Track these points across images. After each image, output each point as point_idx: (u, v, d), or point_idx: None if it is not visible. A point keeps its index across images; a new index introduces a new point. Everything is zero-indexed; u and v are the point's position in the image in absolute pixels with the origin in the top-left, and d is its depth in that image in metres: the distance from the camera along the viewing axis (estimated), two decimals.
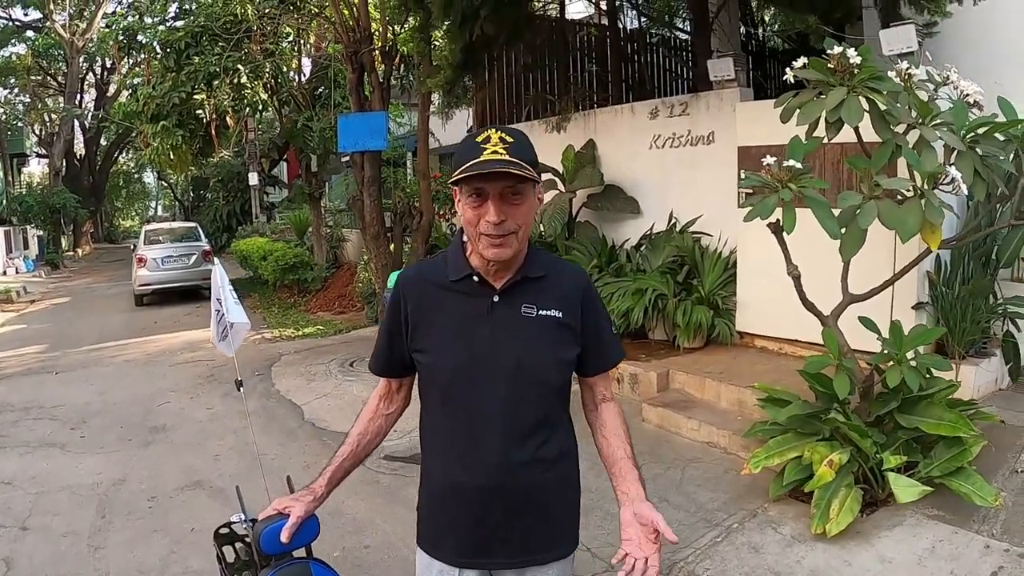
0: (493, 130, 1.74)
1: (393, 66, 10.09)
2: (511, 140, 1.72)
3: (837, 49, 3.72)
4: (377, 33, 9.48)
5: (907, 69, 3.85)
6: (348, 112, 10.58)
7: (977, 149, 3.62)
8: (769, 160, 3.79)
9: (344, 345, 9.53)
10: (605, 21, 10.69)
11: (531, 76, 10.33)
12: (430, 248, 10.14)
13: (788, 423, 4.28)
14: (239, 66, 11.22)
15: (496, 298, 1.84)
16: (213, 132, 11.64)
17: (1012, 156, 3.67)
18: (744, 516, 4.17)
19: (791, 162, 3.75)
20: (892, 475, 3.69)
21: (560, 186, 8.12)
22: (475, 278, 1.84)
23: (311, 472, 5.23)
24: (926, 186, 3.54)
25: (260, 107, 12.44)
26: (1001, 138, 3.69)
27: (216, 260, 4.14)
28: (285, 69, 12.52)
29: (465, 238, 1.89)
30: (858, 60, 3.64)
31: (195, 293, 14.36)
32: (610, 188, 7.93)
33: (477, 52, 7.35)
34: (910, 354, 3.97)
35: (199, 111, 11.49)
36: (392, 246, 10.23)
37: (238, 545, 2.33)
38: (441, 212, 11.54)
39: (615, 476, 1.91)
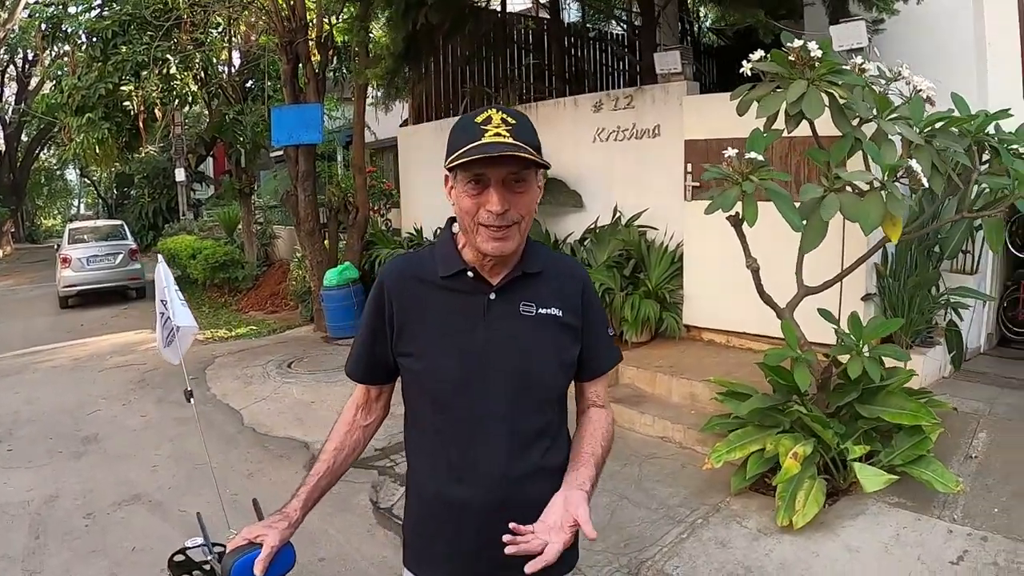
0: (494, 110, 1.57)
1: (328, 57, 9.81)
2: (514, 122, 1.55)
3: (798, 43, 3.72)
4: (312, 23, 9.19)
5: (860, 64, 3.89)
6: (282, 104, 10.27)
7: (934, 143, 3.67)
8: (730, 152, 3.77)
9: (280, 345, 9.24)
10: (545, 14, 10.66)
11: (469, 68, 10.21)
12: (366, 244, 9.94)
13: (749, 416, 4.28)
14: (168, 56, 10.73)
15: (492, 296, 1.67)
16: (141, 125, 11.10)
17: (966, 150, 3.72)
18: (707, 511, 4.15)
19: (752, 154, 3.74)
20: (858, 465, 3.73)
21: None
22: (469, 274, 1.67)
23: (255, 481, 5.11)
24: (887, 179, 3.56)
25: (190, 99, 11.94)
26: (955, 132, 3.75)
27: (160, 257, 3.85)
28: (215, 60, 12.04)
29: (455, 230, 1.73)
30: (819, 54, 3.66)
31: (122, 294, 13.79)
32: (552, 182, 7.83)
33: (419, 42, 7.17)
34: (867, 345, 4.02)
35: (126, 103, 10.94)
36: (327, 243, 9.96)
37: (196, 574, 2.16)
38: (376, 208, 11.30)
39: (571, 463, 1.72)
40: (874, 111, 3.86)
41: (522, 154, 1.51)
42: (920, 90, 3.90)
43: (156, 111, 11.08)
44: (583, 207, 7.70)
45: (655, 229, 7.07)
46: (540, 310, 1.69)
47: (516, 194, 1.58)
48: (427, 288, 1.69)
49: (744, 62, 3.98)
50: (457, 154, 1.53)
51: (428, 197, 9.84)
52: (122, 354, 9.29)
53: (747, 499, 4.20)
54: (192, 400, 3.47)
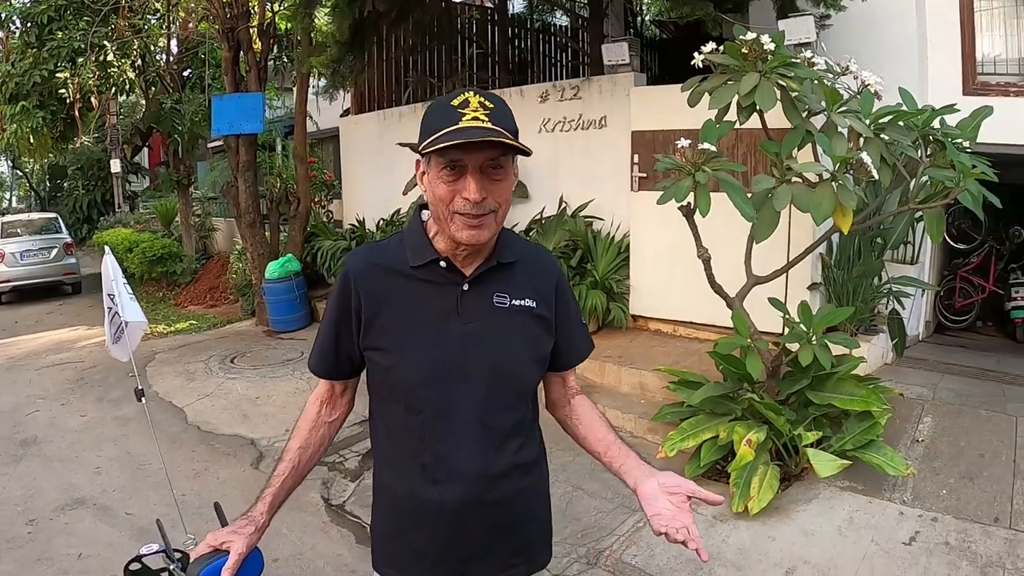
0: (471, 93, 1.50)
1: (270, 45, 9.57)
2: (492, 105, 1.49)
3: (751, 35, 3.76)
4: (254, 10, 8.95)
5: (810, 58, 3.96)
6: (222, 93, 9.98)
7: (882, 136, 3.75)
8: (683, 143, 3.79)
9: (222, 340, 8.99)
10: (489, 3, 10.59)
11: (412, 58, 10.08)
12: (308, 236, 9.76)
13: (701, 405, 4.33)
14: (105, 43, 10.29)
15: (466, 287, 1.61)
16: (77, 114, 10.65)
17: (913, 143, 3.81)
18: None
19: (705, 145, 3.77)
20: (811, 451, 3.80)
21: None
22: (442, 264, 1.61)
23: (201, 481, 4.98)
24: (838, 171, 3.63)
25: (127, 87, 11.50)
26: (902, 126, 3.84)
27: (108, 250, 3.67)
28: (153, 48, 11.63)
29: (425, 218, 1.67)
30: (772, 47, 3.70)
31: (56, 289, 13.30)
32: None
33: (364, 30, 7.03)
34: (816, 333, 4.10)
35: (62, 91, 10.48)
36: (268, 235, 9.73)
37: None
38: (317, 199, 11.10)
39: (613, 459, 1.71)
40: (823, 104, 3.93)
41: (501, 139, 1.45)
42: (868, 84, 3.99)
43: (92, 99, 10.64)
44: (528, 198, 7.67)
45: (601, 220, 7.10)
46: (514, 301, 1.64)
47: (494, 181, 1.52)
48: (396, 279, 1.62)
49: (696, 54, 4.01)
50: (432, 138, 1.46)
51: (371, 188, 9.71)
52: (59, 352, 8.95)
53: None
54: (143, 399, 3.32)
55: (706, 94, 3.95)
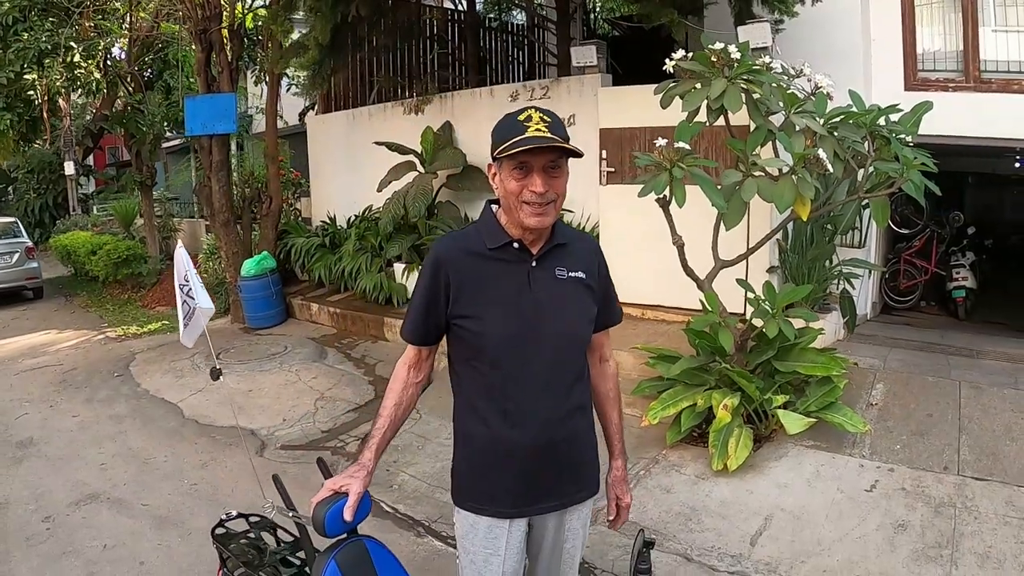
0: (533, 109, 1.92)
1: (242, 46, 9.71)
2: (549, 120, 1.91)
3: (719, 45, 4.19)
4: (226, 10, 9.07)
5: (768, 63, 4.41)
6: (185, 93, 10.09)
7: (835, 133, 4.21)
8: (660, 142, 4.20)
9: (200, 338, 9.08)
10: (454, 5, 10.86)
11: (378, 58, 10.31)
12: (280, 234, 9.92)
13: (679, 377, 4.78)
14: (72, 43, 10.28)
15: (534, 263, 2.01)
16: (46, 115, 10.60)
17: (862, 140, 4.28)
18: (647, 463, 4.62)
19: (680, 144, 4.19)
20: (781, 412, 4.29)
21: (419, 167, 8.24)
22: (515, 245, 2.01)
23: (209, 470, 5.22)
24: (797, 165, 4.08)
25: (95, 88, 11.45)
26: (852, 124, 4.30)
27: (180, 243, 3.93)
28: (117, 48, 11.61)
29: (495, 209, 2.07)
30: (738, 55, 4.13)
31: (18, 295, 12.97)
32: (468, 169, 8.13)
33: (343, 33, 7.28)
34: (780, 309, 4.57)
35: (30, 92, 10.41)
36: (241, 233, 9.86)
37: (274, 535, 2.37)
38: (284, 197, 11.22)
39: (608, 435, 2.31)
40: (780, 104, 4.38)
41: (559, 144, 1.87)
42: (820, 87, 4.45)
43: (60, 101, 10.61)
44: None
45: (571, 212, 7.48)
46: (570, 274, 2.06)
47: (553, 177, 1.93)
48: (478, 259, 2.01)
49: (667, 60, 4.43)
50: (506, 145, 1.88)
51: (340, 186, 9.95)
52: (34, 356, 8.88)
53: (682, 450, 4.69)
54: (221, 378, 3.54)
55: (677, 97, 4.39)
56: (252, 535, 2.33)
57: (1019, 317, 7.45)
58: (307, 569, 2.18)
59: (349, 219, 9.51)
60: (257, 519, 2.43)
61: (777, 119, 4.49)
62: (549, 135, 1.87)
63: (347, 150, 9.81)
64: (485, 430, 2.03)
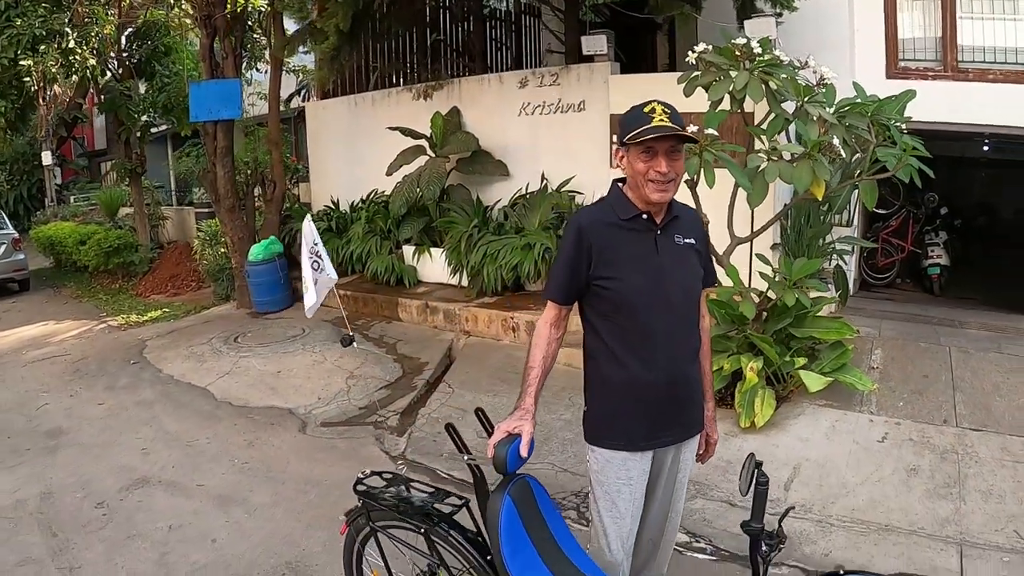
0: (656, 103, 2.30)
1: (245, 31, 9.80)
2: (669, 111, 2.29)
3: (741, 40, 4.59)
4: None
5: (779, 56, 4.81)
6: (172, 80, 10.12)
7: (844, 121, 4.64)
8: (692, 128, 4.57)
9: (208, 325, 9.12)
10: None
11: (379, 45, 10.51)
12: (283, 219, 10.08)
13: None
14: (67, 29, 10.25)
15: (659, 232, 2.41)
16: (42, 101, 10.53)
17: (867, 127, 4.72)
18: None
19: (709, 130, 4.59)
20: (802, 372, 4.76)
21: (429, 152, 8.51)
22: (643, 216, 2.39)
23: (256, 448, 5.49)
24: (813, 150, 4.50)
25: (90, 74, 11.37)
26: (859, 113, 4.73)
27: (308, 217, 4.22)
28: (108, 33, 11.54)
29: (622, 186, 2.45)
30: (759, 50, 4.53)
31: (2, 288, 12.73)
32: (478, 153, 8.46)
33: (361, 20, 7.48)
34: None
35: (26, 79, 10.34)
36: (245, 219, 9.96)
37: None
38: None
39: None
40: (790, 94, 4.79)
41: (680, 132, 2.26)
42: (825, 78, 4.88)
43: (56, 87, 10.57)
44: (509, 176, 8.41)
45: (581, 194, 7.87)
46: (685, 240, 2.47)
47: (673, 160, 2.32)
48: (613, 229, 2.40)
49: (690, 52, 4.82)
50: (635, 132, 2.26)
51: (342, 171, 10.16)
52: (37, 347, 8.84)
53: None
54: (355, 344, 3.74)
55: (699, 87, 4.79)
56: (393, 490, 2.62)
57: (989, 292, 8.05)
58: (454, 517, 2.50)
59: (353, 203, 9.73)
60: (391, 475, 2.73)
61: (787, 108, 4.89)
62: (671, 125, 2.25)
63: (350, 135, 10.01)
64: (625, 373, 2.40)
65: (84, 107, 17.58)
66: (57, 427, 6.02)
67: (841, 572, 2.33)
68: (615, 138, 7.14)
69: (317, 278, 3.96)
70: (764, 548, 2.27)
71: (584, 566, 2.29)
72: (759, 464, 2.33)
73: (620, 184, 2.48)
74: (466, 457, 2.45)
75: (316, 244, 3.93)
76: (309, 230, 3.96)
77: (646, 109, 2.29)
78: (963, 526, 3.81)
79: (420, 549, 2.61)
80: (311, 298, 3.99)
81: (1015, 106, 6.77)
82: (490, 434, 2.37)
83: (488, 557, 2.37)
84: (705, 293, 2.66)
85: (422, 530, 2.47)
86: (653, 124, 2.24)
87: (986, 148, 8.76)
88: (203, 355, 7.69)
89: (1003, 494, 3.99)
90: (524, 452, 2.27)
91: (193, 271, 11.96)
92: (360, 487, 2.68)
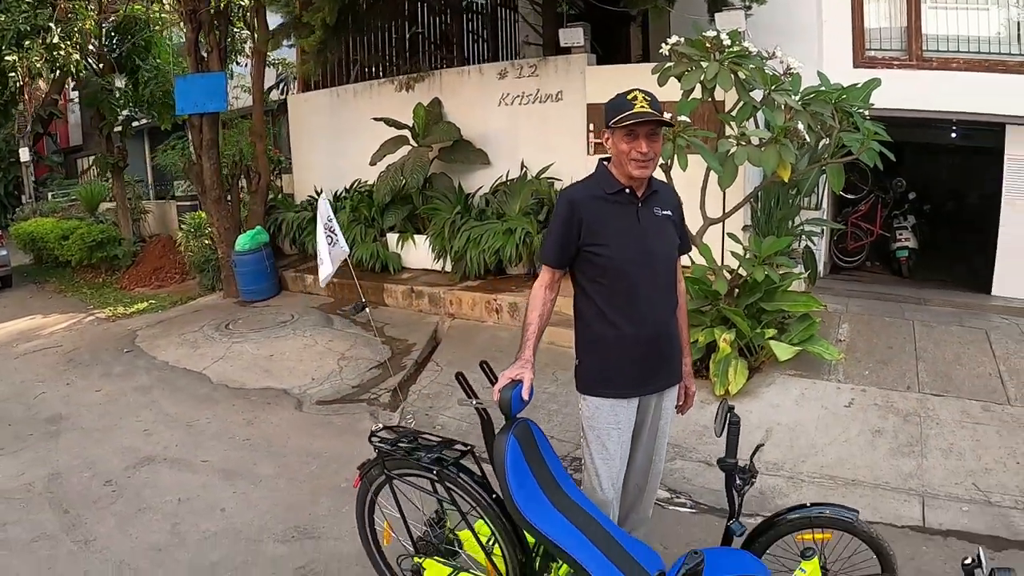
0: (638, 91, 2.59)
1: (229, 25, 9.93)
2: (649, 99, 2.60)
3: (712, 33, 4.86)
4: None
5: (748, 48, 5.09)
6: (151, 74, 10.19)
7: (809, 108, 4.93)
8: (665, 115, 4.85)
9: (197, 314, 9.23)
10: None
11: (358, 38, 10.63)
12: (268, 209, 10.24)
13: None
14: (51, 24, 10.31)
15: (640, 204, 2.72)
16: (27, 95, 10.56)
17: (831, 115, 5.01)
18: None
19: (682, 117, 4.86)
20: (773, 342, 5.08)
21: (412, 141, 8.73)
22: (627, 191, 2.70)
23: (256, 427, 5.76)
24: (779, 135, 4.78)
25: (74, 68, 11.40)
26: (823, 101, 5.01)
27: (324, 195, 4.51)
28: (89, 28, 11.57)
29: (608, 165, 2.73)
30: (729, 42, 4.81)
31: None
32: (460, 142, 8.71)
33: (347, 14, 7.66)
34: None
35: (11, 74, 10.36)
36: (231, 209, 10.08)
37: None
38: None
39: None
40: (758, 83, 5.07)
41: (658, 118, 2.57)
42: (791, 68, 5.17)
43: (41, 82, 10.61)
44: (490, 164, 8.67)
45: (560, 180, 8.13)
46: (663, 212, 2.79)
47: (653, 141, 2.63)
48: (600, 202, 2.70)
49: (663, 44, 5.09)
50: (620, 117, 2.57)
51: (325, 162, 10.34)
52: (27, 340, 8.92)
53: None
54: (367, 309, 4.00)
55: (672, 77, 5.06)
56: (405, 442, 2.88)
57: (956, 274, 8.42)
58: (462, 461, 2.77)
59: (337, 193, 9.91)
60: (401, 429, 3.00)
61: (755, 96, 5.18)
62: (651, 111, 2.56)
63: (333, 127, 10.19)
64: (614, 331, 2.71)
65: (59, 103, 17.52)
66: (56, 414, 6.14)
67: (808, 504, 2.63)
68: (592, 126, 7.49)
69: (332, 251, 4.26)
70: (738, 481, 2.55)
71: (579, 499, 2.58)
72: (731, 407, 2.62)
73: (605, 162, 2.77)
74: (475, 401, 2.72)
75: (331, 220, 4.22)
76: (325, 207, 4.28)
77: (629, 96, 2.59)
78: (925, 480, 4.15)
79: (431, 492, 2.88)
80: (326, 269, 4.27)
81: (979, 94, 7.10)
82: (493, 384, 2.65)
83: (494, 496, 2.64)
84: (679, 260, 2.95)
85: (435, 472, 2.72)
86: (635, 110, 2.54)
87: (953, 135, 9.12)
88: (196, 342, 7.86)
89: (962, 452, 4.34)
90: (526, 395, 2.55)
91: (176, 263, 12.04)
92: (375, 439, 2.92)
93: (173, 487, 4.66)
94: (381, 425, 3.04)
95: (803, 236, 6.85)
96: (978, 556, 2.27)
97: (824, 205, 7.83)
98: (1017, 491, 4.01)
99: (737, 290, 5.57)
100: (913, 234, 8.92)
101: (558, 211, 2.75)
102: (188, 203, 12.45)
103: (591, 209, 2.68)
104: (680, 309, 2.95)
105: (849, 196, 9.15)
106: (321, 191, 10.18)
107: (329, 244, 4.22)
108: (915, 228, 9.06)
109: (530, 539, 2.65)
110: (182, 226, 11.35)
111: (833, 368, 5.25)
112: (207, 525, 4.18)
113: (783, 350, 5.00)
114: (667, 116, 2.69)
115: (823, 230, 7.52)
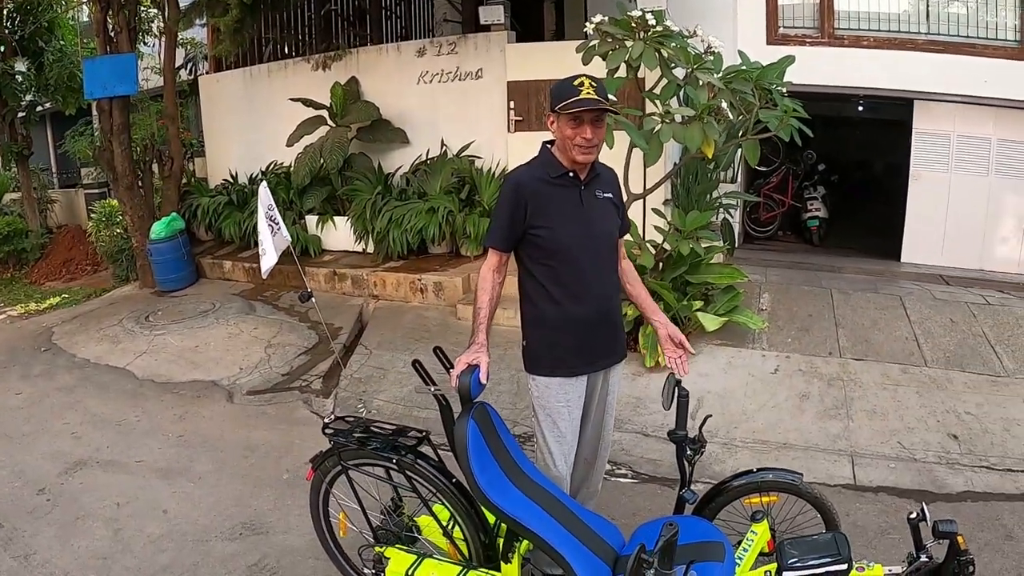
0: (585, 77, 2.64)
1: (139, 4, 9.48)
2: (595, 85, 2.64)
3: (636, 13, 4.95)
4: None
5: (669, 27, 5.21)
6: (60, 56, 9.70)
7: (730, 87, 5.09)
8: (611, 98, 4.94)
9: (115, 306, 8.83)
10: None
11: (270, 16, 10.37)
12: (183, 195, 9.92)
13: None
14: None
15: (583, 188, 2.79)
16: None
17: (752, 92, 5.19)
18: None
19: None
20: (700, 313, 5.29)
21: (330, 122, 8.56)
22: (570, 174, 2.76)
23: (188, 422, 5.64)
24: (703, 113, 4.93)
25: None
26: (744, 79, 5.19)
27: (264, 183, 4.35)
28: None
29: (553, 149, 2.79)
30: (653, 21, 4.92)
31: None
32: (379, 121, 8.61)
33: None
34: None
35: None
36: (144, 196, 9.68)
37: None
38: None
39: (645, 310, 3.05)
40: (681, 62, 5.21)
41: (604, 105, 2.62)
42: (712, 47, 5.33)
43: None
44: (409, 143, 8.60)
45: (481, 158, 8.19)
46: (605, 194, 2.87)
47: (597, 128, 2.69)
48: (543, 185, 2.76)
49: (587, 23, 5.16)
50: (566, 103, 2.61)
51: (240, 144, 10.05)
52: None
53: None
54: (312, 299, 3.89)
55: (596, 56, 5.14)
56: (359, 431, 2.90)
57: (864, 242, 8.87)
58: (419, 448, 2.81)
59: (252, 176, 9.68)
60: (353, 418, 3.01)
61: (678, 74, 5.32)
62: (597, 98, 2.61)
63: (247, 108, 9.91)
64: (557, 309, 2.79)
65: None
66: None
67: (754, 470, 2.79)
68: (512, 104, 7.52)
69: (274, 240, 4.17)
70: (689, 452, 2.68)
71: (537, 478, 2.66)
72: (678, 381, 2.75)
73: (548, 146, 2.83)
74: (432, 388, 2.77)
75: (271, 209, 4.12)
76: (266, 195, 4.16)
77: (575, 82, 2.62)
78: (852, 441, 4.43)
79: (387, 480, 2.92)
80: (269, 259, 4.16)
81: (886, 69, 7.47)
82: (448, 370, 2.69)
83: (453, 480, 2.70)
84: (622, 240, 3.04)
85: (393, 460, 2.75)
86: (581, 96, 2.58)
87: (860, 108, 9.54)
88: (116, 336, 7.54)
89: (886, 412, 4.64)
90: (484, 379, 2.60)
91: (88, 254, 11.55)
92: (328, 430, 2.93)
93: (110, 491, 4.48)
94: (333, 416, 3.04)
95: (721, 209, 7.14)
96: (922, 510, 2.47)
97: (739, 178, 8.11)
98: (939, 447, 4.33)
99: (662, 264, 5.75)
100: (823, 204, 9.33)
101: (504, 194, 2.79)
102: (97, 191, 11.95)
103: (536, 192, 2.73)
104: (636, 281, 3.08)
105: (761, 168, 9.46)
106: (236, 174, 9.93)
107: (272, 233, 4.13)
108: (825, 198, 9.48)
109: (491, 519, 2.73)
110: (92, 215, 10.84)
111: (757, 336, 5.50)
112: (151, 528, 4.05)
113: (710, 321, 5.21)
114: (612, 99, 2.77)
115: (739, 202, 7.79)
